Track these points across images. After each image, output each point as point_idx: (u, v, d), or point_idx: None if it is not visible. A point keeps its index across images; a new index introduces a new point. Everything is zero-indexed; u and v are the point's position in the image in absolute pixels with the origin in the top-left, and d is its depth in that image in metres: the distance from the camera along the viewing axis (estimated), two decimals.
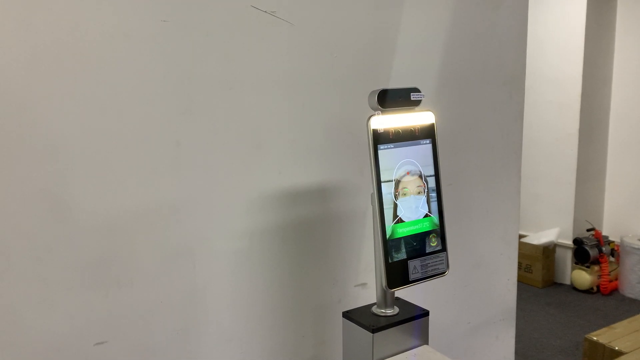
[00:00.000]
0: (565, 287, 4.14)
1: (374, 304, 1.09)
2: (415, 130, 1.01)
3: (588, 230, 4.08)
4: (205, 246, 1.13)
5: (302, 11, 1.18)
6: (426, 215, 1.02)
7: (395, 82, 1.31)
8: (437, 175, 1.04)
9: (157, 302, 1.09)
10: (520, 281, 4.23)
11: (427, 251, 1.02)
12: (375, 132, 0.95)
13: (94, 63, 0.98)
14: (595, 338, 3.06)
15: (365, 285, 1.35)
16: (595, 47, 3.97)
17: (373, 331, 1.01)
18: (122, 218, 1.03)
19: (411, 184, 0.99)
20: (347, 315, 1.07)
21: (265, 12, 1.13)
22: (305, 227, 1.24)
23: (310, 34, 1.20)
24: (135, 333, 1.07)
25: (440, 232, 1.04)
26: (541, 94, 4.09)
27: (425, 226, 1.02)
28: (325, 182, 1.25)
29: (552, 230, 4.16)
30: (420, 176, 1.01)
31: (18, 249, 0.95)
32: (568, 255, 4.14)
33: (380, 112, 0.97)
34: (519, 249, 4.27)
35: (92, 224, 1.01)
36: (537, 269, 4.13)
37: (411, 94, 1.00)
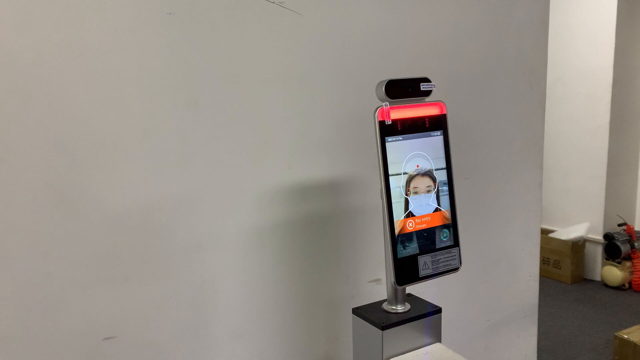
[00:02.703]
0: (595, 284, 4.03)
1: (385, 300, 1.07)
2: (425, 121, 0.98)
3: (619, 225, 3.96)
4: (214, 242, 1.12)
5: (311, 1, 1.16)
6: (436, 210, 0.99)
7: (407, 74, 1.28)
8: (448, 168, 1.00)
9: (165, 297, 1.08)
10: (549, 277, 4.14)
11: (437, 246, 0.99)
12: (382, 123, 0.92)
13: (98, 57, 0.97)
14: (626, 336, 2.96)
15: (378, 281, 1.33)
16: (626, 36, 3.84)
17: (382, 328, 0.98)
18: (129, 214, 1.03)
19: (421, 183, 0.96)
20: (356, 311, 1.05)
21: (273, 2, 1.11)
22: (316, 222, 1.22)
23: (319, 25, 1.17)
24: (144, 328, 1.07)
25: (452, 226, 1.01)
26: (570, 85, 3.98)
27: (436, 220, 0.99)
28: (336, 176, 1.23)
29: (582, 225, 4.05)
30: (430, 174, 0.97)
31: (24, 244, 0.95)
32: (598, 251, 4.03)
33: (388, 103, 0.94)
34: (547, 244, 4.18)
35: (99, 219, 1.01)
36: (565, 264, 4.03)
37: (421, 84, 0.97)
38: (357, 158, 1.24)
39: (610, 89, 3.84)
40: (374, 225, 1.29)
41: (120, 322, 1.05)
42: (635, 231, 3.95)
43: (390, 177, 0.93)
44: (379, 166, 0.93)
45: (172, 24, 1.03)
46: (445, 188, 1.00)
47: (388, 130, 0.93)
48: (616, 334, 3.01)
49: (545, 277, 4.09)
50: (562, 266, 4.05)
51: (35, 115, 0.94)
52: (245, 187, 1.13)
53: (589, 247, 4.08)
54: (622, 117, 3.94)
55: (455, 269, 1.01)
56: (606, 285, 3.99)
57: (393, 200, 0.93)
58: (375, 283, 1.32)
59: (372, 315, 1.03)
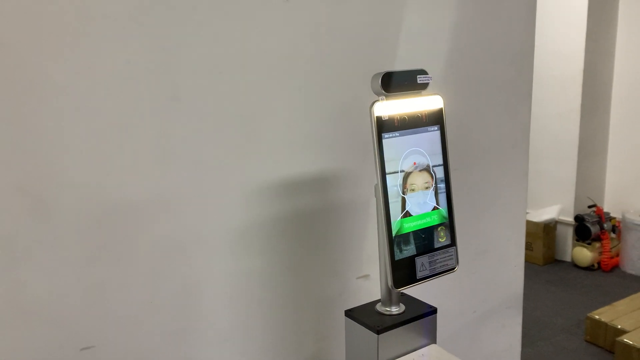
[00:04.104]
0: (566, 265, 4.11)
1: (378, 300, 1.03)
2: (422, 116, 0.93)
3: (589, 206, 4.03)
4: (198, 242, 1.06)
5: None
6: (434, 208, 0.95)
7: (400, 64, 1.23)
8: (445, 164, 0.96)
9: (147, 302, 1.02)
10: None
11: (435, 246, 0.95)
12: (379, 119, 0.87)
13: (69, 47, 0.89)
14: (597, 317, 3.03)
15: (367, 277, 1.29)
16: (598, 20, 3.86)
17: (378, 332, 0.95)
18: (107, 216, 0.96)
19: (419, 179, 0.92)
20: (350, 314, 1.01)
21: None
22: (305, 219, 1.17)
23: (307, 11, 1.11)
24: (124, 336, 1.01)
25: (449, 225, 0.97)
26: (543, 69, 3.99)
27: (434, 220, 0.95)
28: (324, 170, 1.18)
29: (553, 207, 4.11)
30: (428, 170, 0.93)
31: None
32: (569, 233, 4.10)
33: (384, 97, 0.89)
34: None
35: (74, 222, 0.93)
36: (538, 246, 4.09)
37: (418, 76, 0.92)
38: (347, 152, 1.19)
39: (581, 73, 3.87)
40: (363, 220, 1.25)
41: (99, 331, 0.99)
42: (605, 212, 4.02)
43: (387, 176, 0.88)
44: (375, 164, 0.88)
45: (149, 9, 0.95)
46: (443, 185, 0.96)
47: (385, 126, 0.88)
48: (588, 314, 3.08)
49: None
50: (534, 248, 4.11)
51: (0, 113, 0.85)
52: (230, 184, 1.07)
53: (560, 228, 4.15)
54: (593, 100, 3.99)
55: (452, 269, 0.98)
56: (576, 266, 4.07)
57: (390, 200, 0.89)
58: (364, 279, 1.28)
59: (366, 317, 0.99)
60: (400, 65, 1.22)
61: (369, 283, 1.29)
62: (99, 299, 0.98)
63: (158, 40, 0.96)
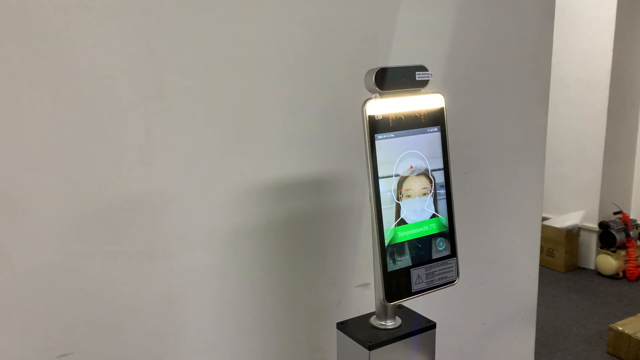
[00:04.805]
0: (589, 272, 3.97)
1: (373, 313, 0.96)
2: (420, 116, 0.86)
3: (615, 213, 3.88)
4: (183, 245, 1.00)
5: None
6: (433, 216, 0.88)
7: (402, 61, 1.15)
8: (446, 168, 0.89)
9: (128, 308, 0.97)
10: (542, 265, 4.06)
11: (433, 257, 0.88)
12: (372, 119, 0.80)
13: (47, 39, 0.84)
14: (620, 328, 2.90)
15: (368, 285, 1.22)
16: (627, 19, 3.71)
17: (370, 348, 0.88)
18: (85, 218, 0.91)
19: (416, 184, 0.85)
20: (341, 327, 0.94)
21: None
22: (299, 223, 1.11)
23: (304, 5, 1.04)
24: (104, 343, 0.96)
25: (449, 235, 0.90)
26: (568, 69, 3.86)
27: (432, 228, 0.88)
28: (320, 173, 1.11)
29: (577, 213, 3.97)
30: (427, 174, 0.86)
31: None
32: (593, 240, 3.95)
33: (378, 95, 0.82)
34: (541, 232, 4.09)
35: (50, 224, 0.89)
36: (559, 253, 3.95)
37: (416, 73, 0.85)
38: (344, 153, 1.13)
39: (609, 74, 3.73)
40: (363, 225, 1.18)
41: (77, 337, 0.94)
42: (631, 219, 3.87)
43: (380, 180, 0.82)
44: (367, 167, 0.81)
45: (134, 0, 0.89)
46: (443, 191, 0.88)
47: (378, 126, 0.81)
48: (611, 325, 2.95)
49: (539, 266, 4.02)
50: (556, 254, 3.98)
51: None
52: (218, 186, 1.02)
53: (583, 235, 4.01)
54: (621, 103, 3.84)
55: (452, 282, 0.91)
56: (600, 274, 3.93)
57: (383, 207, 0.82)
58: (363, 287, 1.22)
59: (358, 331, 0.92)
60: (403, 62, 1.15)
61: (370, 292, 1.22)
62: (77, 304, 0.93)
63: (142, 33, 0.91)
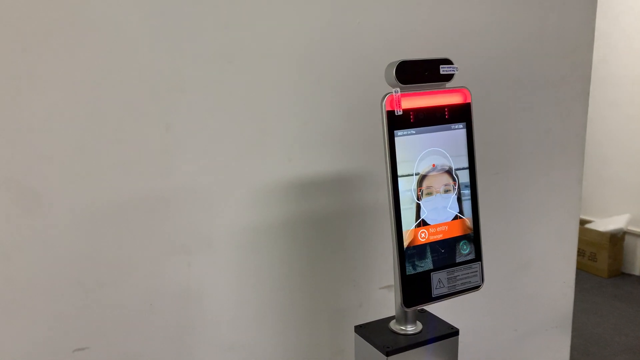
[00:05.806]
0: (634, 279, 3.80)
1: (394, 317, 0.92)
2: (444, 111, 0.82)
3: None
4: (202, 243, 0.99)
5: None
6: (456, 217, 0.83)
7: (431, 55, 1.11)
8: (472, 168, 0.84)
9: (145, 304, 0.97)
10: (584, 270, 3.92)
11: (457, 261, 0.84)
12: (390, 114, 0.77)
13: (66, 35, 0.84)
14: None
15: (391, 287, 1.18)
16: None
17: (387, 354, 0.84)
18: (104, 212, 0.91)
19: (437, 181, 0.81)
20: (360, 330, 0.91)
21: None
22: (320, 222, 1.08)
23: None
24: (121, 339, 0.96)
25: (474, 237, 0.85)
26: (614, 67, 3.71)
27: (455, 230, 0.83)
28: (342, 170, 1.08)
29: (622, 216, 3.81)
30: (450, 172, 0.82)
31: None
32: (639, 244, 3.79)
33: (399, 89, 0.78)
34: (584, 235, 3.95)
35: (68, 218, 0.89)
36: (602, 257, 3.80)
37: (440, 66, 0.81)
38: (367, 150, 1.09)
39: None
40: (386, 225, 1.14)
41: (94, 332, 0.94)
42: None
43: (399, 179, 0.78)
44: (386, 165, 0.77)
45: None
46: (468, 192, 0.84)
47: (398, 122, 0.78)
48: None
49: (580, 270, 3.87)
50: (599, 259, 3.83)
51: None
52: (238, 182, 1.00)
53: (628, 239, 3.84)
54: None
55: (477, 287, 0.86)
56: None
57: (402, 207, 0.78)
58: (387, 290, 1.18)
59: (376, 336, 0.89)
60: (429, 56, 1.10)
61: (394, 295, 1.18)
62: (95, 299, 0.93)
63: (161, 27, 0.90)
